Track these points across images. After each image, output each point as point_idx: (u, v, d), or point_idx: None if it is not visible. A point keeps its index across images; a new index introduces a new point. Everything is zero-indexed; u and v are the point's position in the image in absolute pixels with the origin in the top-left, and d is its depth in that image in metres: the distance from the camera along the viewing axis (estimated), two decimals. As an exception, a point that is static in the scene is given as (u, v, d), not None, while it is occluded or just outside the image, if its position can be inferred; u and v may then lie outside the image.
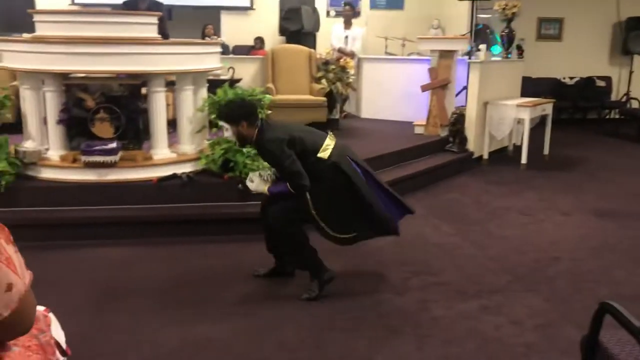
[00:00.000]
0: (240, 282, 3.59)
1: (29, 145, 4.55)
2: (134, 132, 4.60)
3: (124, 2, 6.17)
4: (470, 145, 6.89)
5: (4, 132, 4.99)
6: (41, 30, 4.34)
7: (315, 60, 7.36)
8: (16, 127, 4.92)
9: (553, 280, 3.72)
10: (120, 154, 4.42)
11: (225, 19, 9.58)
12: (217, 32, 8.97)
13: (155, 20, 4.58)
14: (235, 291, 3.47)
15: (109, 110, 4.43)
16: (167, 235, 4.27)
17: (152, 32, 4.55)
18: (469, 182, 6.25)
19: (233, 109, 3.39)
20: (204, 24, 8.78)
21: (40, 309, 1.66)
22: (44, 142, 4.60)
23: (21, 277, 1.25)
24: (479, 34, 8.46)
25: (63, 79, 4.40)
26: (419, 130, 7.18)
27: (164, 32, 5.74)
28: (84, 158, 4.33)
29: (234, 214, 4.41)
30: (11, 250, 1.25)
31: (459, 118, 6.77)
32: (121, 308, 3.24)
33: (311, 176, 3.27)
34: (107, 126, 4.45)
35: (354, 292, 3.49)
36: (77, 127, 4.48)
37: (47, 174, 4.45)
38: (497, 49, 7.63)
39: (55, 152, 4.51)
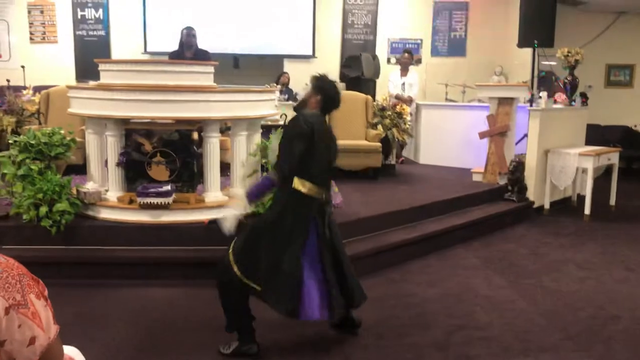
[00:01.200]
0: (283, 326, 3.58)
1: (90, 186, 4.79)
2: (188, 176, 4.75)
3: (171, 52, 6.46)
4: (530, 195, 6.69)
5: (70, 172, 5.30)
6: (105, 78, 4.62)
7: (371, 106, 7.42)
8: (82, 168, 5.21)
9: (609, 341, 3.50)
10: (174, 196, 4.57)
11: (289, 67, 9.86)
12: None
13: (211, 69, 4.77)
14: (278, 335, 3.46)
15: (165, 154, 4.61)
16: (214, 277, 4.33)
17: (208, 80, 4.74)
18: (527, 233, 6.03)
19: (327, 83, 3.27)
20: (272, 71, 9.08)
21: (72, 350, 1.72)
22: (105, 183, 4.83)
23: (45, 332, 1.32)
24: (542, 81, 8.31)
25: (123, 124, 4.63)
26: (477, 177, 7.05)
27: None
28: (139, 199, 4.51)
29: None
30: (40, 305, 1.33)
31: (519, 166, 6.61)
32: (165, 348, 3.29)
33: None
34: (162, 169, 4.63)
35: (392, 344, 3.41)
36: (135, 170, 4.68)
37: (105, 214, 4.65)
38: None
39: (113, 193, 4.72)
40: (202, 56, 5.96)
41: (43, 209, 4.37)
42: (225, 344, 3.25)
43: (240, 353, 3.18)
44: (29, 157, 4.61)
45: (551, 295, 4.26)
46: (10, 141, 4.75)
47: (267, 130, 5.83)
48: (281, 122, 6.45)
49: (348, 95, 7.78)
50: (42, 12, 9.43)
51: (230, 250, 3.21)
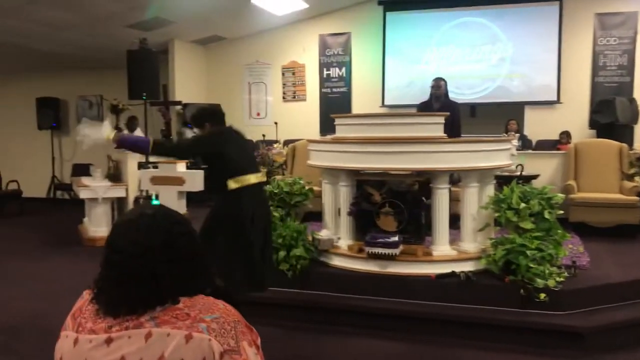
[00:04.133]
0: None
1: (324, 233, 5.01)
2: (416, 227, 4.68)
3: (420, 103, 6.49)
4: None
5: (308, 220, 5.63)
6: (340, 132, 4.85)
7: (627, 155, 6.57)
8: (319, 215, 5.50)
9: None
10: (401, 247, 4.53)
11: (529, 114, 9.33)
12: (520, 127, 8.77)
13: (441, 120, 4.69)
14: None
15: (393, 204, 4.62)
16: (438, 335, 4.14)
17: (438, 131, 4.67)
18: None
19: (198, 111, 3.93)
20: (507, 119, 8.70)
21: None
22: (337, 231, 5.01)
23: None
24: None
25: (355, 174, 4.78)
26: None
27: (456, 129, 5.84)
28: (367, 249, 4.56)
29: (513, 321, 4.06)
30: (251, 353, 1.38)
31: None
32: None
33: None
34: (391, 220, 4.64)
35: None
36: (365, 219, 4.77)
37: (336, 261, 4.81)
38: None
39: (345, 242, 4.86)
40: (448, 107, 5.92)
41: (282, 253, 4.68)
42: None
43: None
44: (273, 204, 5.02)
45: None
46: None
47: (502, 181, 5.52)
48: (517, 173, 6.06)
49: (598, 144, 7.06)
50: (293, 73, 10.45)
51: None
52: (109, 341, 1.37)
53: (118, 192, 7.64)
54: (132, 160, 7.88)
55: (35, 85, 11.84)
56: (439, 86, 6.28)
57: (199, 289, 1.48)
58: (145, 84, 8.05)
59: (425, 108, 6.15)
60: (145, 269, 1.39)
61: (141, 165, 7.91)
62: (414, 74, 9.73)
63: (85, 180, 7.82)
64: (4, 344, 4.06)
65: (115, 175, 7.76)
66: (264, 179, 4.06)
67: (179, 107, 9.88)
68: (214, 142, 3.76)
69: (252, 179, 3.83)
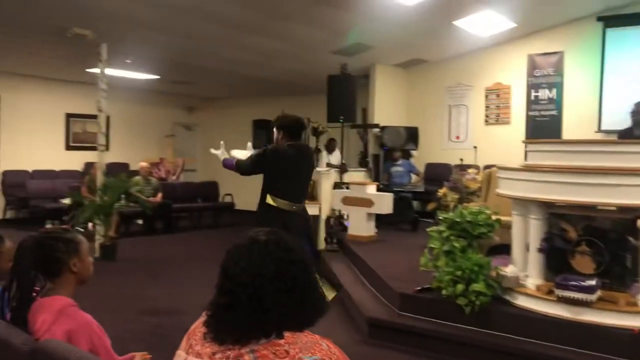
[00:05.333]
0: None
1: (510, 269, 4.60)
2: (619, 271, 4.06)
3: (620, 131, 5.77)
4: None
5: (493, 253, 5.23)
6: (532, 159, 4.42)
7: None
8: (506, 249, 5.07)
9: None
10: (598, 293, 3.96)
11: None
12: None
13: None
14: None
15: (591, 244, 4.07)
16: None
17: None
18: None
19: (282, 118, 4.37)
20: None
21: None
22: (525, 268, 4.57)
23: None
24: None
25: (548, 207, 4.31)
26: None
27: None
28: (557, 291, 4.07)
29: None
30: None
31: None
32: None
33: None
34: (587, 261, 4.09)
35: None
36: (557, 258, 4.28)
37: (521, 301, 4.37)
38: None
39: (532, 281, 4.41)
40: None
41: (460, 287, 4.41)
42: None
43: None
44: (454, 234, 4.77)
45: None
46: (440, 217, 5.03)
47: None
48: None
49: None
50: (497, 95, 9.95)
51: None
52: (210, 367, 1.36)
53: (312, 210, 7.95)
54: (326, 180, 8.19)
55: (251, 109, 13.01)
56: (637, 111, 5.53)
57: (306, 322, 1.41)
58: (344, 108, 8.32)
59: (625, 135, 5.43)
60: (253, 299, 1.36)
61: (336, 186, 8.18)
62: (636, 96, 8.60)
63: (284, 197, 8.30)
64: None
65: (311, 194, 8.11)
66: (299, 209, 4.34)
67: (376, 130, 10.03)
68: (268, 161, 4.22)
69: (285, 205, 4.22)
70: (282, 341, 1.34)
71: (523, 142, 4.60)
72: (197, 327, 1.49)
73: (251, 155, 4.31)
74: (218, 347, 1.38)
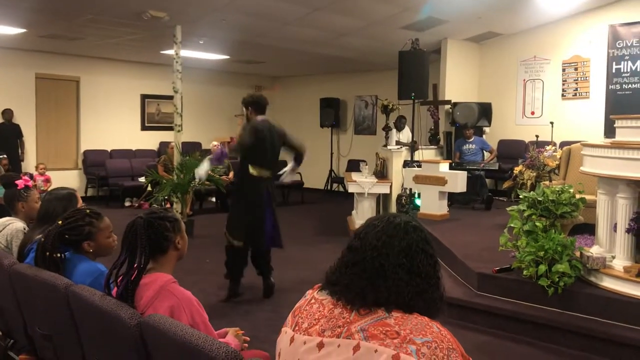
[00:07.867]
0: None
1: (595, 250, 4.45)
2: None
3: None
4: None
5: (576, 233, 5.07)
6: (622, 135, 4.23)
7: None
8: (590, 229, 4.91)
9: None
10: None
11: None
12: None
13: None
14: None
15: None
16: None
17: None
18: None
19: (247, 97, 5.11)
20: None
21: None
22: (612, 249, 4.40)
23: None
24: None
25: (638, 186, 4.12)
26: None
27: None
28: (648, 274, 3.91)
29: None
30: None
31: None
32: None
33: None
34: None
35: None
36: (647, 239, 4.10)
37: (607, 282, 4.22)
38: None
39: (620, 262, 4.24)
40: None
41: (542, 268, 4.30)
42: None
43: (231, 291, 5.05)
44: (535, 213, 4.64)
45: None
46: (520, 196, 4.89)
47: None
48: None
49: None
50: (576, 69, 9.52)
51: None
52: (320, 346, 1.38)
53: (383, 188, 7.94)
54: (397, 158, 8.12)
55: (318, 87, 13.01)
56: None
57: (417, 309, 1.41)
58: (415, 84, 8.17)
59: None
60: (375, 261, 1.42)
61: (406, 164, 8.10)
62: None
63: (354, 175, 8.32)
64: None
65: (381, 172, 8.07)
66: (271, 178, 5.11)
67: (448, 106, 9.82)
68: (251, 140, 4.84)
69: (264, 173, 4.96)
70: (391, 321, 1.35)
71: (612, 117, 4.38)
72: (303, 305, 1.52)
73: (240, 134, 4.95)
74: (327, 324, 1.40)
